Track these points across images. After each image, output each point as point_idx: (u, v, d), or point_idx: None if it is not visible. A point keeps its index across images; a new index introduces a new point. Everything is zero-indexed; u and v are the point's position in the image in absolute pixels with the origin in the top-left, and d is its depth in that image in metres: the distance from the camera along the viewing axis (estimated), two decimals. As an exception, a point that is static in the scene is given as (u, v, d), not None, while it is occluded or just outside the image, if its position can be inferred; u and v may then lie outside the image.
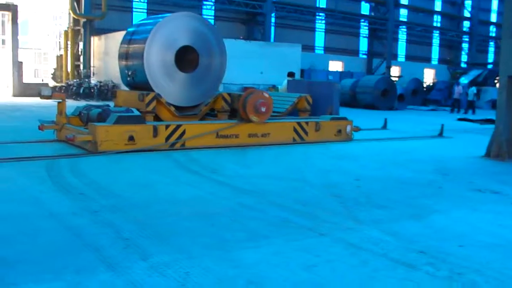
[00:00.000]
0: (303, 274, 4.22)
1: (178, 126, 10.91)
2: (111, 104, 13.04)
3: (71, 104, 24.48)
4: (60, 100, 11.49)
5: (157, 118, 11.75)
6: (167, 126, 10.79)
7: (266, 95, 12.12)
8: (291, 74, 19.69)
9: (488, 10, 59.04)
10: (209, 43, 12.66)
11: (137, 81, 12.35)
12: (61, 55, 32.00)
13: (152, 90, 11.84)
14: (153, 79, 11.90)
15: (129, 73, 12.45)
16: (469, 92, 30.20)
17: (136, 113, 10.93)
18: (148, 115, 11.37)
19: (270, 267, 4.34)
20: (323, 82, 20.64)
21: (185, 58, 12.39)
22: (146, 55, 11.80)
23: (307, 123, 12.90)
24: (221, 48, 12.93)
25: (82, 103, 25.17)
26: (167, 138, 10.73)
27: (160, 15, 13.01)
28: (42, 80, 30.18)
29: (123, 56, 12.79)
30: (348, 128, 13.61)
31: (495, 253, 4.94)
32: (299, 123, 12.76)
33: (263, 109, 11.78)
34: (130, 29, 13.25)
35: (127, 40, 12.82)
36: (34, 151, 9.89)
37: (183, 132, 10.93)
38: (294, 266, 4.37)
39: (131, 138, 10.20)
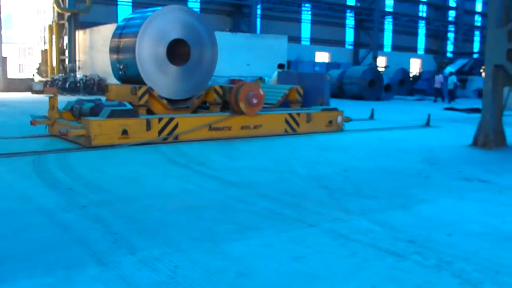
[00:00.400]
0: (293, 265, 4.23)
1: (171, 119, 10.91)
2: (102, 98, 12.98)
3: (58, 99, 24.32)
4: (52, 95, 11.47)
5: (149, 112, 11.76)
6: (160, 120, 10.79)
7: (258, 86, 12.15)
8: (281, 66, 19.73)
9: (473, 0, 59.30)
10: (200, 36, 12.69)
11: (128, 74, 12.34)
12: (45, 50, 31.73)
13: (144, 84, 11.85)
14: (145, 73, 11.91)
15: (121, 67, 12.44)
16: (449, 81, 30.27)
17: (129, 107, 10.93)
18: (140, 109, 11.40)
19: (260, 258, 4.35)
20: (313, 74, 20.69)
21: (177, 51, 12.39)
22: (137, 48, 11.80)
23: (298, 114, 12.95)
24: (212, 41, 12.97)
25: (68, 97, 24.99)
26: (160, 132, 10.74)
27: (150, 9, 12.98)
28: (34, 76, 29.85)
29: (114, 50, 12.76)
30: (339, 118, 13.71)
31: (483, 241, 4.97)
32: (290, 115, 12.81)
33: (255, 101, 11.80)
34: (121, 23, 13.22)
35: (118, 34, 12.79)
36: (25, 146, 9.84)
37: (176, 125, 10.94)
38: (283, 258, 4.38)
39: (124, 132, 10.20)
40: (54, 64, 30.68)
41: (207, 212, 5.73)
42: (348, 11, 47.27)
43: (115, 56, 12.78)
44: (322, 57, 45.58)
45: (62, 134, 10.12)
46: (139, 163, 8.75)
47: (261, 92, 12.00)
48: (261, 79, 27.29)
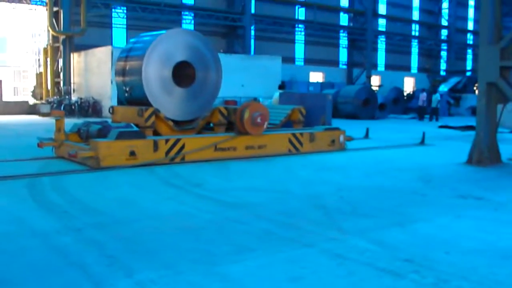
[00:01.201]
0: (290, 286, 4.21)
1: (177, 140, 11.05)
2: (108, 120, 13.03)
3: (52, 121, 24.30)
4: (59, 117, 11.57)
5: (155, 133, 11.87)
6: (166, 141, 10.92)
7: (262, 107, 12.30)
8: (282, 87, 19.97)
9: (465, 19, 59.79)
10: (205, 58, 12.88)
11: (134, 96, 12.49)
12: (40, 73, 31.76)
13: (150, 105, 11.97)
14: (152, 95, 12.05)
15: (127, 89, 12.58)
16: (432, 99, 30.29)
17: (136, 128, 11.06)
18: (147, 130, 11.51)
19: (257, 280, 4.33)
20: (315, 94, 20.92)
21: (182, 73, 12.55)
22: (144, 70, 11.96)
23: (301, 134, 13.11)
24: (216, 63, 13.16)
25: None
26: (167, 152, 10.86)
27: (156, 32, 13.18)
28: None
29: (120, 72, 12.92)
30: (341, 138, 13.86)
31: (481, 259, 4.97)
32: (294, 135, 12.96)
33: (260, 121, 11.96)
34: (127, 46, 13.41)
35: (124, 57, 12.98)
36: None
37: (183, 146, 11.08)
38: (280, 279, 4.36)
39: (132, 153, 10.35)
40: (49, 86, 30.69)
41: (203, 233, 5.71)
42: (341, 31, 47.58)
43: (121, 79, 12.94)
44: (316, 77, 45.77)
45: (71, 156, 10.25)
46: (135, 185, 8.72)
47: (266, 113, 12.16)
48: (255, 99, 27.34)
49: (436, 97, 30.15)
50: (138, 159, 10.40)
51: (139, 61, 12.18)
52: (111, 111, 13.22)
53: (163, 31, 12.84)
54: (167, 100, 12.26)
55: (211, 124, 13.31)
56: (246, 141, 12.05)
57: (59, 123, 11.53)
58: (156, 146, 10.68)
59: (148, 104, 12.04)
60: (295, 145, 12.91)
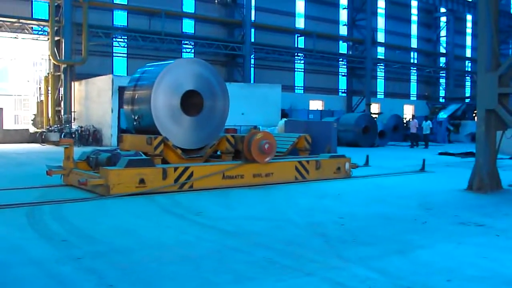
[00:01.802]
0: (291, 315, 4.17)
1: (186, 168, 11.15)
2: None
3: (53, 149, 24.31)
4: (68, 146, 11.65)
5: (164, 161, 11.95)
6: (175, 169, 11.02)
7: (270, 135, 12.41)
8: (286, 115, 20.30)
9: (463, 46, 60.27)
10: (213, 87, 13.03)
11: (143, 125, 12.62)
12: (41, 101, 31.90)
13: (159, 134, 12.07)
14: (160, 123, 12.17)
15: (136, 118, 12.71)
16: (423, 126, 30.23)
17: (144, 156, 11.18)
18: (156, 158, 11.59)
19: (258, 309, 4.29)
20: (320, 122, 21.14)
21: (190, 102, 12.68)
22: (153, 99, 12.08)
23: (308, 161, 13.22)
24: (224, 92, 13.31)
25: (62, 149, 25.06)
26: (176, 180, 10.93)
27: (165, 62, 13.36)
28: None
29: (129, 101, 13.08)
30: (347, 165, 13.91)
31: (483, 286, 4.93)
32: (300, 162, 13.07)
33: (267, 149, 12.08)
34: (135, 75, 13.58)
35: (132, 86, 13.15)
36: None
37: (191, 174, 11.17)
38: (281, 307, 4.32)
39: (141, 181, 10.39)
40: (50, 115, 30.80)
41: (204, 262, 5.68)
42: (341, 59, 47.90)
43: (129, 107, 13.09)
44: (316, 105, 45.95)
45: (82, 184, 10.30)
46: (135, 214, 8.69)
47: (273, 141, 12.27)
48: (255, 128, 27.42)
49: (427, 124, 30.08)
50: (147, 187, 10.45)
51: (148, 90, 12.32)
52: (119, 139, 13.34)
53: (171, 61, 13.03)
54: (176, 128, 12.38)
55: (218, 152, 13.41)
56: (254, 169, 12.17)
57: (68, 151, 11.62)
58: (165, 174, 10.76)
59: (156, 132, 12.16)
60: (301, 173, 13.01)
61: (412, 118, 32.42)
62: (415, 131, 30.42)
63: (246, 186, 11.83)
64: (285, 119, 18.99)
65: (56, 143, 25.71)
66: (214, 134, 13.02)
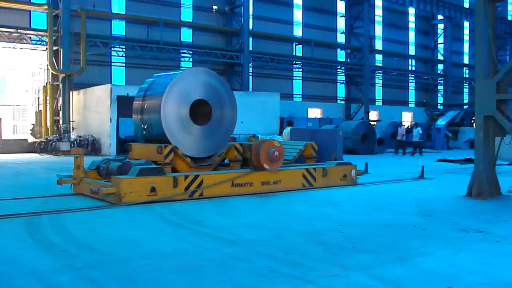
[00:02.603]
0: (292, 324, 4.15)
1: (196, 177, 11.28)
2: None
3: (51, 159, 24.30)
4: (78, 155, 11.80)
5: (173, 169, 12.07)
6: (186, 177, 11.15)
7: (278, 143, 12.52)
8: (290, 123, 20.65)
9: (461, 53, 60.45)
10: (221, 96, 13.21)
11: (152, 134, 12.75)
12: (40, 111, 31.90)
13: (167, 143, 12.18)
14: (170, 132, 12.31)
15: (145, 127, 12.83)
16: (414, 133, 29.91)
17: (154, 165, 11.34)
18: (166, 167, 11.69)
19: (258, 318, 4.27)
20: (326, 130, 21.48)
21: (199, 111, 12.84)
22: (162, 109, 12.23)
23: (315, 169, 13.35)
24: (231, 101, 13.50)
25: (62, 158, 25.05)
26: (186, 188, 11.05)
27: (175, 71, 13.63)
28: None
29: (138, 110, 13.21)
30: (353, 172, 14.04)
31: (483, 293, 4.92)
32: (307, 170, 13.21)
33: (276, 157, 12.21)
34: (144, 85, 13.71)
35: (141, 96, 13.28)
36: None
37: (201, 182, 11.30)
38: (282, 316, 4.30)
39: (153, 189, 10.52)
40: (49, 124, 30.81)
41: (204, 271, 5.66)
42: (339, 67, 48.00)
43: (138, 117, 13.22)
44: (314, 112, 46.00)
45: (94, 193, 10.39)
46: (134, 224, 8.67)
47: (281, 149, 12.38)
48: (254, 136, 27.45)
49: (417, 131, 29.81)
50: (158, 195, 10.57)
51: (158, 99, 12.46)
52: (128, 148, 13.48)
53: (180, 71, 13.24)
54: (185, 137, 12.53)
55: (226, 161, 13.54)
56: (262, 176, 12.31)
57: (78, 161, 11.74)
58: (175, 182, 10.88)
59: (165, 141, 12.29)
60: (308, 180, 13.14)
61: (400, 125, 32.01)
62: (401, 138, 30.09)
63: (254, 193, 11.93)
64: (290, 127, 19.34)
65: (66, 153, 25.73)
66: (223, 142, 13.22)
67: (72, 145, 27.91)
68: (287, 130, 19.32)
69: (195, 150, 12.69)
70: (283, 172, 12.72)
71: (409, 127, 43.70)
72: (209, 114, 12.97)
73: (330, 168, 13.65)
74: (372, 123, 37.88)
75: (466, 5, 57.46)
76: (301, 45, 44.62)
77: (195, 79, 12.91)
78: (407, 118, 53.93)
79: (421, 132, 30.05)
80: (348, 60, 48.85)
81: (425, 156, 27.84)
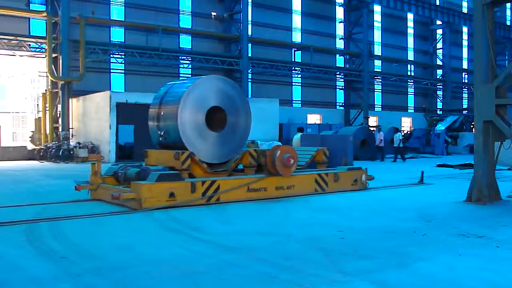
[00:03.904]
0: (292, 330, 4.14)
1: (213, 182, 11.53)
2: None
3: (51, 167, 24.29)
4: (95, 161, 12.02)
5: (190, 175, 12.21)
6: (203, 182, 11.39)
7: (292, 149, 12.81)
8: (300, 129, 21.25)
9: (460, 58, 60.50)
10: (235, 103, 13.43)
11: (169, 140, 12.93)
12: (39, 118, 31.92)
13: (183, 149, 12.35)
14: (187, 138, 12.49)
15: (161, 133, 13.04)
16: (394, 138, 29.61)
17: (172, 171, 11.54)
18: (183, 173, 11.85)
19: (258, 324, 4.26)
20: (336, 136, 22.00)
21: (214, 118, 13.05)
22: (179, 116, 12.41)
23: (327, 174, 13.64)
24: (246, 108, 13.74)
25: (62, 165, 25.04)
26: (204, 193, 11.30)
27: (190, 78, 13.91)
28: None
29: (154, 117, 13.41)
30: (363, 177, 14.25)
31: (484, 298, 4.90)
32: (319, 175, 13.49)
33: (291, 163, 12.44)
34: (159, 93, 13.88)
35: (157, 103, 13.47)
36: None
37: (218, 187, 11.55)
38: (282, 322, 4.29)
39: (171, 195, 10.73)
40: (48, 132, 30.81)
41: (203, 278, 5.64)
42: (338, 73, 47.97)
43: (154, 123, 13.41)
44: (313, 118, 46.01)
45: (115, 198, 10.50)
46: (133, 231, 8.65)
47: (295, 155, 12.60)
48: (253, 142, 27.38)
49: (397, 136, 29.33)
50: (177, 200, 10.77)
51: (174, 106, 12.65)
52: (144, 155, 13.63)
53: (196, 78, 13.51)
54: (201, 143, 12.72)
55: (240, 166, 13.72)
56: (276, 181, 12.56)
57: (96, 167, 11.93)
58: (193, 188, 11.13)
59: (181, 147, 12.44)
60: (321, 185, 13.41)
61: (378, 131, 31.14)
62: (379, 143, 29.63)
63: (269, 198, 12.15)
64: (301, 133, 20.28)
65: (84, 159, 25.76)
66: (238, 148, 13.44)
67: (72, 152, 27.93)
68: (298, 136, 20.01)
69: (211, 156, 12.91)
70: (296, 177, 12.98)
71: (408, 132, 43.90)
72: (224, 120, 13.19)
73: (342, 173, 13.94)
74: (372, 128, 37.90)
75: (465, 10, 57.54)
76: (300, 51, 44.65)
77: (210, 86, 13.14)
78: (406, 124, 53.95)
79: (401, 137, 29.45)
80: (347, 66, 48.86)
81: (425, 162, 27.84)
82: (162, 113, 13.17)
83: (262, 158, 12.88)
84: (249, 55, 39.52)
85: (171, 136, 12.81)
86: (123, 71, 36.47)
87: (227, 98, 13.24)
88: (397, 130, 30.99)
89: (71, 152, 28.08)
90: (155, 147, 13.56)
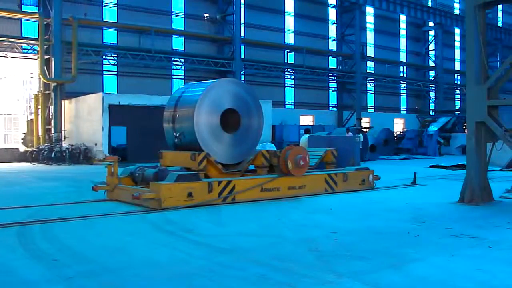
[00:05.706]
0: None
1: (228, 182, 11.83)
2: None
3: (44, 169, 24.18)
4: (112, 162, 12.24)
5: (205, 176, 12.40)
6: (219, 182, 11.68)
7: (304, 150, 13.09)
8: (307, 131, 22.20)
9: (452, 59, 60.73)
10: (249, 105, 13.78)
11: (184, 142, 13.21)
12: (31, 120, 31.76)
13: (198, 150, 12.63)
14: (202, 140, 12.82)
15: (177, 135, 13.30)
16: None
17: (189, 172, 11.85)
18: (199, 173, 12.00)
19: (251, 326, 4.25)
20: (343, 137, 22.77)
21: (228, 120, 13.34)
22: (195, 118, 12.73)
23: (336, 174, 13.99)
24: (258, 110, 14.06)
25: (54, 167, 24.94)
26: (220, 193, 11.57)
27: (205, 82, 14.22)
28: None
29: (170, 120, 13.70)
30: (370, 177, 14.58)
31: (477, 299, 4.91)
32: (329, 175, 13.85)
33: (302, 163, 12.81)
34: (174, 96, 14.29)
35: (173, 105, 13.78)
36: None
37: (233, 187, 11.83)
38: (275, 324, 4.28)
39: (189, 195, 11.00)
40: (40, 133, 30.67)
41: (196, 280, 5.63)
42: (330, 74, 48.04)
43: (170, 125, 13.69)
44: (306, 120, 46.05)
45: (135, 198, 10.70)
46: (126, 232, 8.61)
47: (307, 155, 12.98)
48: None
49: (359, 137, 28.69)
50: (195, 200, 11.02)
51: (190, 108, 12.96)
52: (159, 156, 13.83)
53: (211, 81, 13.88)
54: (216, 144, 13.06)
55: (250, 167, 13.95)
56: (289, 182, 12.87)
57: (112, 168, 12.16)
58: (210, 188, 11.40)
59: (196, 149, 12.72)
60: (330, 185, 13.73)
61: (347, 132, 29.55)
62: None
63: (282, 198, 12.37)
64: (308, 134, 21.23)
65: (101, 160, 25.67)
66: (251, 149, 13.79)
67: (64, 154, 27.82)
68: (305, 137, 20.64)
69: (225, 157, 13.23)
70: (307, 178, 13.27)
71: (401, 133, 44.01)
72: (238, 122, 13.51)
73: (350, 173, 14.24)
74: (364, 130, 37.98)
75: (457, 12, 57.84)
76: (292, 53, 44.69)
77: (225, 89, 13.49)
78: (399, 125, 54.08)
79: (362, 139, 28.19)
80: (340, 67, 48.97)
81: (418, 162, 27.88)
82: (178, 115, 13.47)
83: (274, 159, 13.19)
84: (242, 56, 39.53)
85: (186, 137, 13.12)
86: (115, 73, 36.37)
87: (240, 100, 13.58)
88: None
89: (63, 154, 27.91)
90: (169, 149, 13.85)
